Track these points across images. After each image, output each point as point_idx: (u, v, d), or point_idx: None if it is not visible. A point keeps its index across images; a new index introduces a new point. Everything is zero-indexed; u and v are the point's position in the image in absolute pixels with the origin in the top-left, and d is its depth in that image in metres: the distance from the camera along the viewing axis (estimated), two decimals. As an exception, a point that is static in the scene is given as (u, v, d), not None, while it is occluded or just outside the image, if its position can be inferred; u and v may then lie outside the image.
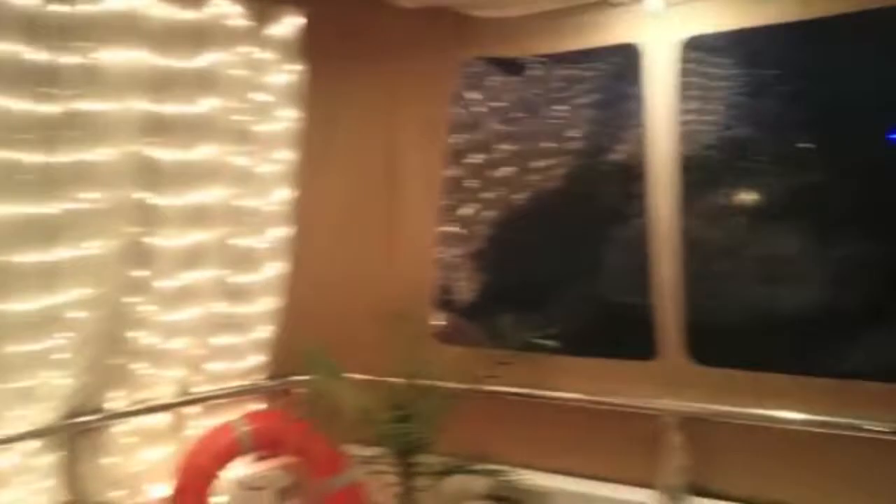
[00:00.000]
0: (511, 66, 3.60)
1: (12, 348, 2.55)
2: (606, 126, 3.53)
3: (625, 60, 2.85)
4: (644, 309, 2.82)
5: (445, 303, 3.20)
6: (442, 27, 3.11)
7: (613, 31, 2.86)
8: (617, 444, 2.88)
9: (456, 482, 2.85)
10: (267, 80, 3.10)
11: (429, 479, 2.84)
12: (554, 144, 3.75)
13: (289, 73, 3.15)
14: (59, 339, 2.67)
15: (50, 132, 2.53)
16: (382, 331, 2.74)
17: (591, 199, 3.58)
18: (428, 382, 2.84)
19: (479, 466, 2.82)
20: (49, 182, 2.56)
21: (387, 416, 2.80)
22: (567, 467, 2.98)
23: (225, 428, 3.05)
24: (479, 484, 2.90)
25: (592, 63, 3.46)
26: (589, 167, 3.68)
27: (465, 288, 3.18)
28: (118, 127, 2.69)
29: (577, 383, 2.94)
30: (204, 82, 2.88)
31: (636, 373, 2.87)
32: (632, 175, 2.89)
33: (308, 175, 3.27)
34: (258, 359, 3.30)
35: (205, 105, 2.90)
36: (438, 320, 3.19)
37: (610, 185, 3.55)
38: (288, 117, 3.18)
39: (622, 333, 3.13)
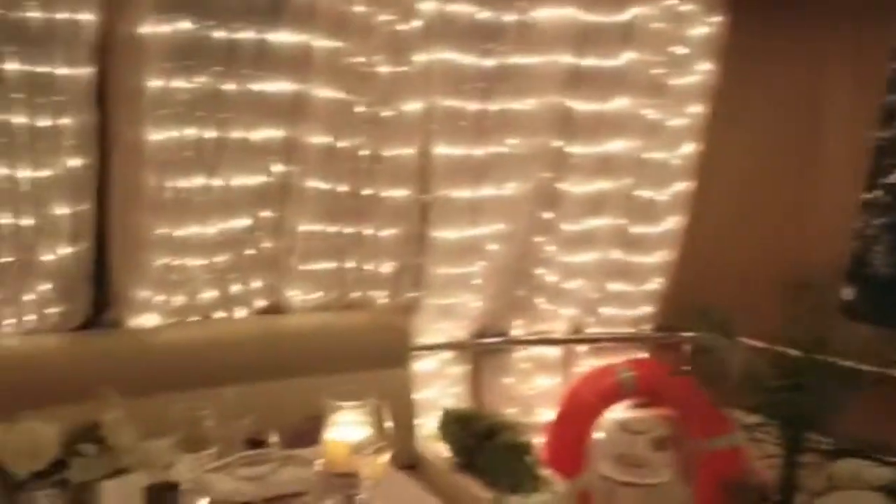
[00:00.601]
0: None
1: (442, 270, 2.96)
2: None
3: None
4: None
5: (858, 276, 2.93)
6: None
7: None
8: None
9: (848, 467, 2.66)
10: (687, 32, 3.08)
11: (816, 457, 2.70)
12: None
13: (709, 26, 3.10)
14: (476, 267, 3.04)
15: (486, 83, 2.83)
16: (783, 297, 2.63)
17: None
18: (828, 358, 2.67)
19: (879, 456, 2.60)
20: (481, 128, 2.88)
21: (777, 385, 2.71)
22: None
23: (609, 370, 3.20)
24: (874, 473, 2.67)
25: None
26: None
27: (883, 261, 2.87)
28: (543, 79, 2.90)
29: None
30: (626, 36, 2.96)
31: None
32: None
33: (716, 130, 3.21)
34: (647, 309, 3.39)
35: (623, 58, 2.99)
36: (848, 294, 2.95)
37: None
38: (703, 70, 3.13)
39: None
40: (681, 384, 3.07)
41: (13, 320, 2.43)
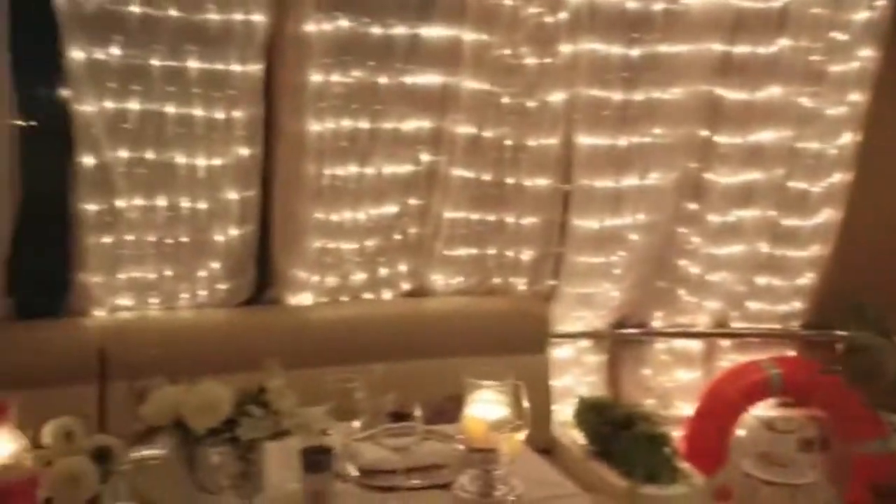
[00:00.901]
0: None
1: (582, 259, 2.99)
2: None
3: None
4: None
5: None
6: None
7: None
8: None
9: None
10: (848, 17, 2.93)
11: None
12: None
13: (872, 10, 2.93)
14: (616, 257, 3.03)
15: (631, 73, 2.81)
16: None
17: None
18: None
19: None
20: (625, 117, 2.86)
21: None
22: None
23: (754, 366, 3.12)
24: None
25: None
26: None
27: None
28: (691, 68, 2.85)
29: None
30: (781, 22, 2.85)
31: None
32: None
33: (879, 119, 3.03)
34: (797, 304, 3.25)
35: (777, 45, 2.88)
36: None
37: None
38: (865, 57, 2.97)
39: None
40: (830, 384, 2.95)
41: (187, 295, 2.69)
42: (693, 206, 3.06)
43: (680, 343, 3.24)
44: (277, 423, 1.59)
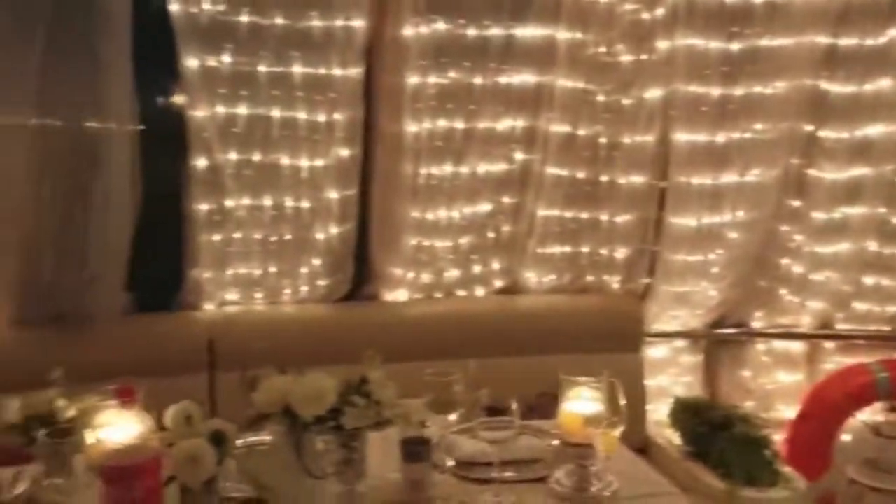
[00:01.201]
0: None
1: (679, 257, 2.95)
2: None
3: None
4: None
5: None
6: None
7: None
8: None
9: None
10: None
11: None
12: None
13: None
14: (714, 255, 2.98)
15: (730, 67, 2.75)
16: None
17: None
18: None
19: None
20: (724, 113, 2.81)
21: None
22: None
23: (861, 369, 2.99)
24: None
25: None
26: None
27: None
28: (794, 61, 2.77)
29: None
30: (891, 12, 2.74)
31: None
32: None
33: None
34: (908, 305, 3.12)
35: (887, 36, 2.76)
36: None
37: None
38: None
39: None
40: (945, 389, 2.81)
41: (290, 291, 2.81)
42: (796, 202, 2.98)
43: (781, 344, 3.16)
44: (379, 413, 1.65)
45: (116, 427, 1.53)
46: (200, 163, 2.58)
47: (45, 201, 2.39)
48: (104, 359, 2.30)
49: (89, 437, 1.55)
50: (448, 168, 2.77)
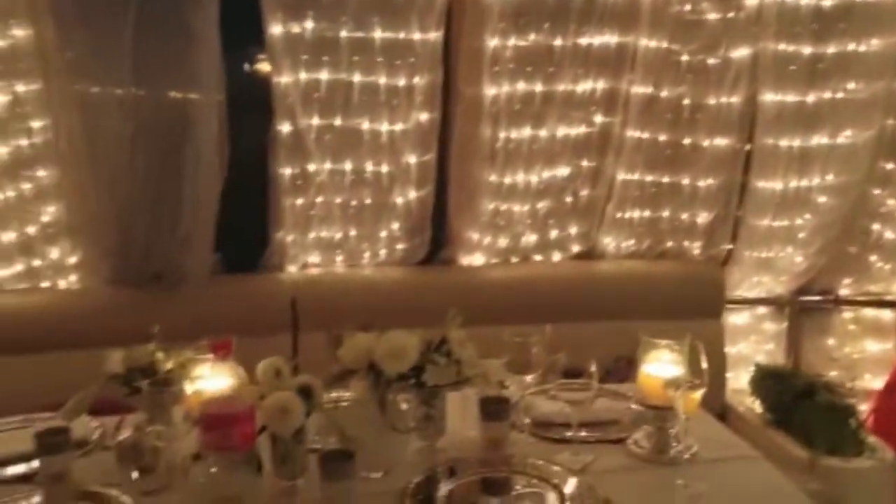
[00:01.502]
0: None
1: (763, 222, 2.88)
2: None
3: None
4: None
5: None
6: None
7: None
8: None
9: None
10: None
11: None
12: None
13: None
14: (801, 220, 2.89)
15: (822, 25, 2.65)
16: None
17: None
18: None
19: None
20: (815, 72, 2.71)
21: None
22: None
23: (956, 339, 2.89)
24: None
25: None
26: None
27: None
28: (889, 17, 2.65)
29: None
30: None
31: None
32: None
33: None
34: None
35: None
36: None
37: None
38: None
39: None
40: None
41: (369, 254, 2.86)
42: (889, 165, 2.86)
43: (870, 312, 3.06)
44: (459, 371, 1.68)
45: (212, 379, 1.61)
46: (284, 128, 2.63)
47: (138, 169, 2.49)
48: (193, 317, 2.38)
49: (188, 387, 1.63)
50: (526, 132, 2.75)
